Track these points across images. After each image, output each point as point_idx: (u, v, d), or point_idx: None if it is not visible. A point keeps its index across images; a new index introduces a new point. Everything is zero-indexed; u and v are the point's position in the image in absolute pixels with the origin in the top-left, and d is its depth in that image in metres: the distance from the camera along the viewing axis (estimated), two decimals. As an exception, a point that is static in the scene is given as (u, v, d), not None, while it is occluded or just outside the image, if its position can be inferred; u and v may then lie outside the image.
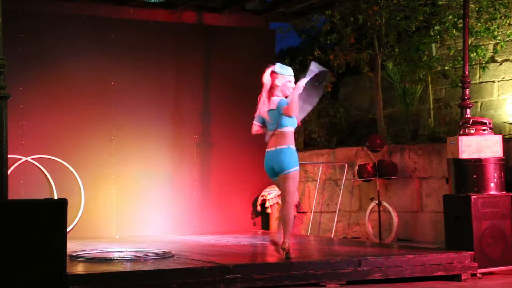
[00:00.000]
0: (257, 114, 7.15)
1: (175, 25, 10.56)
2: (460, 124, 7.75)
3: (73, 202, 9.41)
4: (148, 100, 10.23)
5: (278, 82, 7.01)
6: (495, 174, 7.48)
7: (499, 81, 10.41)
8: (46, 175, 9.59)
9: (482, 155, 7.49)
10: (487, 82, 10.52)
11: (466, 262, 7.17)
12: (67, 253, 5.79)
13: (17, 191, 9.08)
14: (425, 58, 10.82)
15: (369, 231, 9.81)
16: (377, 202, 9.59)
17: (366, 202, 10.14)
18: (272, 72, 7.05)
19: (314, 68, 6.99)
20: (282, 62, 7.69)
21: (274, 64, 7.18)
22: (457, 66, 10.32)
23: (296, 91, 6.87)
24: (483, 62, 10.38)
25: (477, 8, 10.04)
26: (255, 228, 10.75)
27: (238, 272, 6.33)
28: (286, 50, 16.84)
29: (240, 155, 10.56)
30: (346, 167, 10.33)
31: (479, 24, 10.06)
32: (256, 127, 7.16)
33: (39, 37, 9.66)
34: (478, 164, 7.46)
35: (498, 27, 10.06)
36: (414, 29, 10.88)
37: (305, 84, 6.93)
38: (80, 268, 6.35)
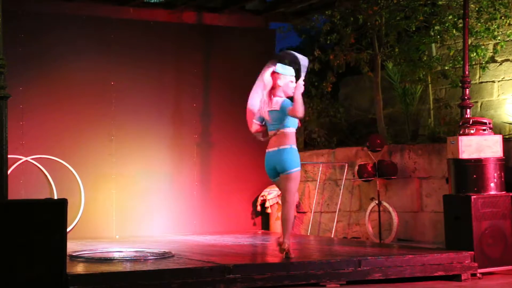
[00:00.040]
0: (257, 113, 7.15)
1: (175, 25, 10.56)
2: (460, 124, 7.75)
3: (73, 202, 9.41)
4: (148, 100, 10.23)
5: (280, 82, 7.01)
6: (495, 174, 7.47)
7: (499, 81, 10.41)
8: (46, 175, 9.59)
9: (482, 155, 7.49)
10: (487, 82, 10.53)
11: (466, 262, 7.17)
12: (67, 253, 5.79)
13: (17, 191, 9.08)
14: (425, 58, 10.82)
15: (369, 231, 9.81)
16: (377, 202, 9.59)
17: (366, 202, 10.14)
18: (273, 72, 7.05)
19: (304, 62, 7.00)
20: (282, 62, 7.68)
21: (274, 64, 7.18)
22: (457, 66, 10.33)
23: (299, 90, 6.88)
24: (483, 62, 10.38)
25: (477, 8, 10.04)
26: (255, 228, 10.75)
27: (238, 272, 6.33)
28: (286, 50, 16.81)
29: (240, 155, 10.56)
30: (346, 167, 10.33)
31: (479, 24, 10.06)
32: (256, 126, 7.16)
33: (39, 37, 9.66)
34: (478, 164, 7.46)
35: (498, 27, 10.06)
36: (414, 29, 10.88)
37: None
38: (80, 268, 6.35)
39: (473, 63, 10.38)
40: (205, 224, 10.43)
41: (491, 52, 10.38)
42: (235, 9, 10.95)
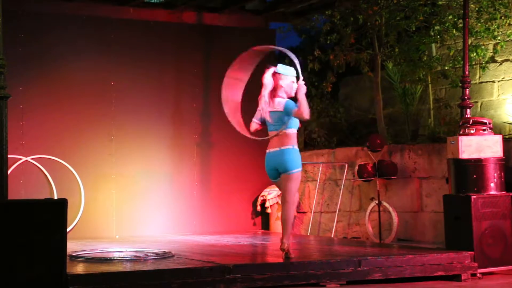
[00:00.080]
0: (257, 113, 7.16)
1: (175, 25, 10.56)
2: (460, 124, 7.75)
3: (73, 202, 9.41)
4: (148, 100, 10.23)
5: (282, 83, 7.01)
6: (495, 174, 7.48)
7: (499, 81, 10.41)
8: (46, 175, 9.59)
9: (482, 155, 7.49)
10: (487, 82, 10.53)
11: (466, 262, 7.17)
12: (67, 253, 5.79)
13: (17, 191, 9.08)
14: (425, 58, 10.82)
15: (369, 231, 9.81)
16: (377, 202, 9.59)
17: (366, 202, 10.14)
18: (275, 73, 7.05)
19: (296, 60, 6.99)
20: (282, 62, 7.69)
21: (272, 64, 7.19)
22: (457, 66, 10.33)
23: (302, 91, 6.89)
24: (483, 62, 10.38)
25: (477, 8, 10.04)
26: (255, 228, 10.76)
27: (238, 272, 6.33)
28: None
29: (240, 155, 10.56)
30: (346, 167, 10.33)
31: (479, 24, 10.06)
32: (255, 125, 7.17)
33: (39, 37, 9.66)
34: (478, 164, 7.46)
35: (498, 27, 10.06)
36: (414, 29, 10.88)
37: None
38: (80, 268, 6.35)
39: (473, 63, 10.38)
40: (205, 224, 10.43)
41: (491, 52, 10.37)
42: (235, 9, 10.95)
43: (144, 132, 10.16)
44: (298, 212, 10.71)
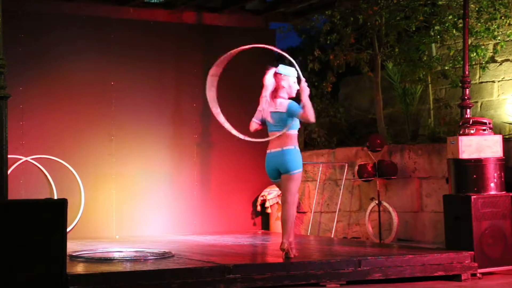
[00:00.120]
0: (257, 112, 7.15)
1: (175, 25, 10.56)
2: (460, 124, 7.75)
3: (73, 202, 9.41)
4: (148, 100, 10.23)
5: (284, 83, 7.02)
6: (495, 174, 7.48)
7: (499, 81, 10.41)
8: (46, 175, 9.59)
9: (482, 155, 7.49)
10: (487, 82, 10.52)
11: (466, 262, 7.17)
12: (67, 253, 5.79)
13: (17, 191, 9.08)
14: (425, 58, 10.82)
15: (369, 231, 9.81)
16: (377, 202, 9.59)
17: (366, 202, 10.14)
18: (276, 73, 7.05)
19: (292, 60, 7.00)
20: (282, 62, 7.69)
21: (273, 64, 7.19)
22: (457, 66, 10.33)
23: (306, 93, 6.89)
24: (483, 62, 10.38)
25: (477, 8, 10.04)
26: (255, 228, 10.76)
27: (238, 272, 6.33)
28: (286, 50, 16.83)
29: (240, 155, 10.56)
30: (346, 167, 10.33)
31: (479, 24, 10.06)
32: (255, 125, 7.16)
33: (39, 37, 9.66)
34: (478, 164, 7.46)
35: (498, 27, 10.06)
36: (414, 29, 10.88)
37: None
38: (80, 268, 6.35)
39: (473, 63, 10.38)
40: (205, 224, 10.43)
41: (491, 52, 10.37)
42: (235, 9, 10.95)
43: (144, 132, 10.16)
44: (298, 212, 10.70)
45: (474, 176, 7.45)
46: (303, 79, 6.93)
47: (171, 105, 10.40)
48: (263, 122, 7.13)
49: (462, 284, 6.98)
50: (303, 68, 7.23)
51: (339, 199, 10.36)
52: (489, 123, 7.69)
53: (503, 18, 9.98)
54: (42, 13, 9.72)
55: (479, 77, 10.57)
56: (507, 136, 9.57)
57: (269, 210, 10.56)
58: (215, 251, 7.82)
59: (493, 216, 7.38)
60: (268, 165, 7.07)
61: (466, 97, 7.97)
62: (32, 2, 9.71)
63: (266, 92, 7.02)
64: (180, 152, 10.39)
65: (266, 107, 7.03)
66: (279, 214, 9.99)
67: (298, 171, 6.95)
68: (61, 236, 5.59)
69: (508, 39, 10.15)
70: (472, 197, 7.31)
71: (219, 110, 7.13)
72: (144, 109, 10.18)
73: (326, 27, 11.51)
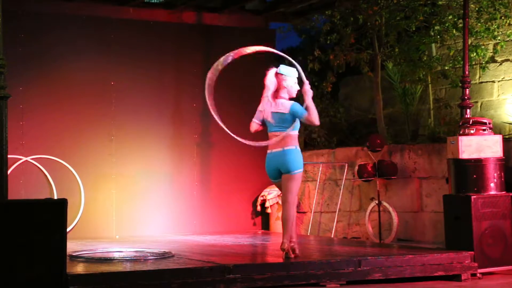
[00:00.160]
0: (257, 113, 7.15)
1: (175, 25, 10.56)
2: (460, 124, 7.75)
3: (73, 202, 9.41)
4: (148, 100, 10.23)
5: (285, 84, 7.02)
6: (495, 174, 7.48)
7: (499, 81, 10.41)
8: (46, 175, 9.59)
9: (482, 155, 7.49)
10: (487, 82, 10.52)
11: (466, 262, 7.17)
12: (67, 253, 5.79)
13: (17, 191, 9.08)
14: (425, 58, 10.82)
15: (369, 231, 9.81)
16: (377, 202, 9.59)
17: (366, 202, 10.14)
18: (277, 74, 7.05)
19: (298, 66, 7.00)
20: (283, 62, 7.69)
21: (273, 64, 7.19)
22: (457, 66, 10.33)
23: (309, 96, 6.90)
24: (483, 62, 10.38)
25: (477, 8, 10.04)
26: (255, 228, 10.76)
27: (238, 272, 6.33)
28: (286, 50, 16.82)
29: (240, 155, 10.56)
30: (346, 167, 10.33)
31: (479, 24, 10.06)
32: (255, 125, 7.16)
33: (39, 37, 9.66)
34: (478, 164, 7.46)
35: (498, 27, 10.06)
36: (414, 29, 10.88)
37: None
38: (80, 268, 6.35)
39: (473, 63, 10.38)
40: (205, 224, 10.43)
41: (491, 52, 10.37)
42: (235, 9, 10.95)
43: (144, 132, 10.16)
44: (298, 212, 10.70)
45: (474, 176, 7.45)
46: (306, 81, 6.94)
47: (171, 105, 10.40)
48: (263, 123, 7.13)
49: (462, 284, 6.98)
50: (303, 68, 7.21)
51: (339, 199, 10.36)
52: (489, 123, 7.69)
53: (503, 18, 9.98)
54: (42, 13, 9.72)
55: (479, 77, 10.57)
56: (507, 136, 9.57)
57: (269, 210, 10.56)
58: (215, 251, 7.82)
59: (493, 216, 7.38)
60: (269, 165, 7.07)
61: (466, 97, 7.97)
62: (32, 2, 9.71)
63: (268, 92, 7.02)
64: (180, 152, 10.39)
65: (267, 107, 7.02)
66: (279, 214, 10.01)
67: (299, 171, 6.96)
68: (61, 236, 5.59)
69: (508, 39, 10.15)
70: (472, 197, 7.31)
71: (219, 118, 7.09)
72: (144, 109, 10.18)
73: (326, 27, 11.51)
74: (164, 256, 7.06)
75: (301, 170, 6.98)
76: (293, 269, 6.57)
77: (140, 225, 10.07)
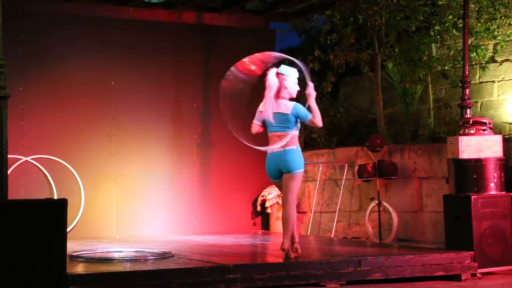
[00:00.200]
0: (257, 113, 7.15)
1: (175, 25, 10.56)
2: (460, 124, 7.75)
3: (73, 202, 9.41)
4: (148, 100, 10.23)
5: (286, 84, 7.02)
6: (495, 174, 7.48)
7: (499, 81, 10.41)
8: (46, 175, 9.59)
9: (482, 155, 7.49)
10: (487, 82, 10.53)
11: (466, 262, 7.17)
12: (67, 253, 5.79)
13: (17, 191, 9.08)
14: (425, 58, 10.82)
15: (369, 231, 9.81)
16: (377, 202, 9.59)
17: (366, 202, 10.14)
18: (278, 74, 7.05)
19: (303, 66, 7.01)
20: (282, 62, 7.68)
21: (274, 65, 7.18)
22: (457, 66, 10.33)
23: (313, 98, 6.91)
24: (483, 62, 10.38)
25: (477, 8, 10.04)
26: (255, 228, 10.75)
27: (238, 272, 6.33)
28: (286, 50, 16.83)
29: (240, 155, 10.55)
30: (346, 167, 10.33)
31: (479, 24, 10.06)
32: (257, 127, 7.16)
33: (39, 37, 9.66)
34: (478, 164, 7.46)
35: (498, 27, 10.06)
36: (414, 29, 10.88)
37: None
38: (80, 268, 6.35)
39: (473, 63, 10.38)
40: (205, 224, 10.42)
41: (491, 52, 10.37)
42: (235, 9, 10.95)
43: (144, 132, 10.16)
44: (298, 212, 10.70)
45: (474, 176, 7.45)
46: (311, 84, 6.95)
47: (171, 105, 10.40)
48: (264, 123, 7.12)
49: (462, 284, 6.98)
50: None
51: (339, 199, 10.36)
52: (489, 123, 7.69)
53: (503, 18, 9.98)
54: (42, 13, 9.72)
55: (479, 77, 10.57)
56: (507, 136, 9.57)
57: (269, 210, 10.56)
58: (215, 251, 7.82)
59: (493, 216, 7.38)
60: (270, 165, 7.07)
61: (466, 97, 7.97)
62: (32, 2, 9.71)
63: (271, 93, 7.00)
64: (180, 152, 10.39)
65: (269, 108, 7.01)
66: (279, 214, 10.00)
67: (300, 171, 6.97)
68: (61, 236, 5.59)
69: (508, 39, 10.15)
70: (472, 197, 7.31)
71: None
72: (144, 109, 10.18)
73: (326, 27, 11.51)
74: (164, 256, 7.06)
75: (302, 170, 7.01)
76: (293, 269, 6.57)
77: (140, 225, 10.06)
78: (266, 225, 10.75)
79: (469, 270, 7.15)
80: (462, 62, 8.22)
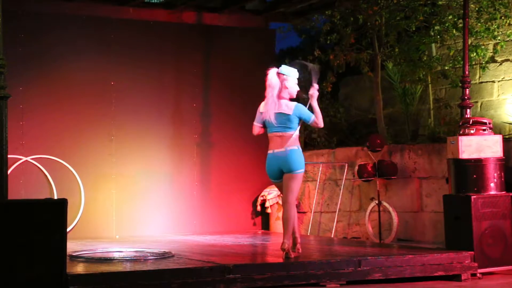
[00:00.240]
0: (258, 115, 7.14)
1: (175, 25, 10.56)
2: (460, 124, 7.75)
3: (73, 202, 9.41)
4: (148, 100, 10.23)
5: (287, 84, 7.02)
6: (495, 174, 7.47)
7: (499, 81, 10.41)
8: (46, 175, 9.59)
9: (482, 155, 7.49)
10: (487, 82, 10.52)
11: (466, 262, 7.17)
12: (67, 253, 5.79)
13: (17, 191, 9.08)
14: (425, 58, 10.82)
15: (369, 231, 9.81)
16: (377, 202, 9.59)
17: (366, 202, 10.14)
18: (279, 74, 7.05)
19: (312, 68, 7.02)
20: (282, 62, 7.69)
21: (273, 64, 7.19)
22: (457, 66, 10.33)
23: (315, 99, 6.93)
24: (483, 62, 10.38)
25: (477, 8, 10.04)
26: (255, 228, 10.75)
27: (238, 272, 6.33)
28: (286, 50, 16.84)
29: (240, 155, 10.56)
30: (346, 167, 10.33)
31: (479, 24, 10.06)
32: (258, 128, 7.16)
33: (39, 37, 9.66)
34: (478, 164, 7.46)
35: (498, 27, 10.06)
36: (414, 29, 10.88)
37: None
38: (80, 268, 6.35)
39: (473, 63, 10.38)
40: (205, 224, 10.42)
41: (491, 52, 10.37)
42: (235, 9, 10.95)
43: (144, 132, 10.16)
44: (298, 212, 10.70)
45: (474, 176, 7.45)
46: (316, 86, 6.98)
47: (171, 105, 10.40)
48: (264, 124, 7.13)
49: (462, 284, 6.98)
50: (303, 68, 7.22)
51: (339, 199, 10.36)
52: (489, 123, 7.69)
53: (503, 18, 9.98)
54: (42, 13, 9.72)
55: (479, 77, 10.57)
56: (507, 136, 9.57)
57: (269, 210, 10.56)
58: (215, 251, 7.82)
59: (493, 216, 7.38)
60: (270, 165, 7.07)
61: (466, 97, 7.97)
62: (32, 2, 9.71)
63: (274, 93, 7.00)
64: (180, 152, 10.39)
65: (271, 108, 7.01)
66: (279, 214, 10.01)
67: (301, 171, 6.99)
68: (61, 236, 5.59)
69: (508, 39, 10.15)
70: (472, 197, 7.31)
71: None
72: (144, 109, 10.18)
73: (326, 27, 11.50)
74: (164, 256, 7.06)
75: (303, 170, 7.02)
76: (293, 269, 6.57)
77: (140, 225, 10.07)
78: (266, 225, 10.75)
79: (469, 270, 7.15)
80: (462, 62, 8.22)
